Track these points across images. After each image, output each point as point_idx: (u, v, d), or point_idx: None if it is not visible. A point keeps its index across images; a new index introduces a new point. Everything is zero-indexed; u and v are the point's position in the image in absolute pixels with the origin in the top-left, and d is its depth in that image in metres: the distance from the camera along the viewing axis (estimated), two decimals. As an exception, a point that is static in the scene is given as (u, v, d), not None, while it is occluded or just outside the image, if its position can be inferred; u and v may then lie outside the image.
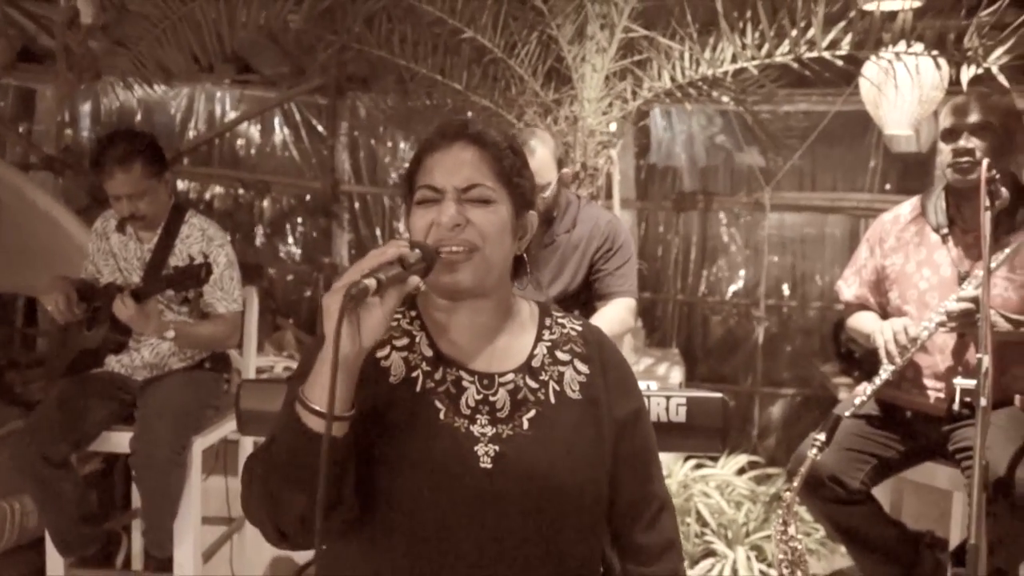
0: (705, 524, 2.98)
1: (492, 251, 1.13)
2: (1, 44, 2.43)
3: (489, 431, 1.13)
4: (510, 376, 1.17)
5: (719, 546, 2.90)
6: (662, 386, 1.78)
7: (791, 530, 1.82)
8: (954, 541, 2.15)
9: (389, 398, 1.13)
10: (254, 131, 4.68)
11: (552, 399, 1.17)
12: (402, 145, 4.62)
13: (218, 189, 4.73)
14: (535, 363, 1.19)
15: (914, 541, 2.08)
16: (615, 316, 2.33)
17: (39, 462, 2.15)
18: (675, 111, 4.30)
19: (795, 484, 1.84)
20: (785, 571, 1.83)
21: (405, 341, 1.18)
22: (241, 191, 4.66)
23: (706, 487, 3.09)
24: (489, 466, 1.11)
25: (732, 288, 4.42)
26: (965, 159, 1.95)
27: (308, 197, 4.67)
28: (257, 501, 1.07)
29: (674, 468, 3.18)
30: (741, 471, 3.30)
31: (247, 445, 2.74)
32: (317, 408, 1.00)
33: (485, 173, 1.14)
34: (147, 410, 2.27)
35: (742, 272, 4.41)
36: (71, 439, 2.20)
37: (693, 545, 2.95)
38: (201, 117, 4.70)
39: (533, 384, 1.17)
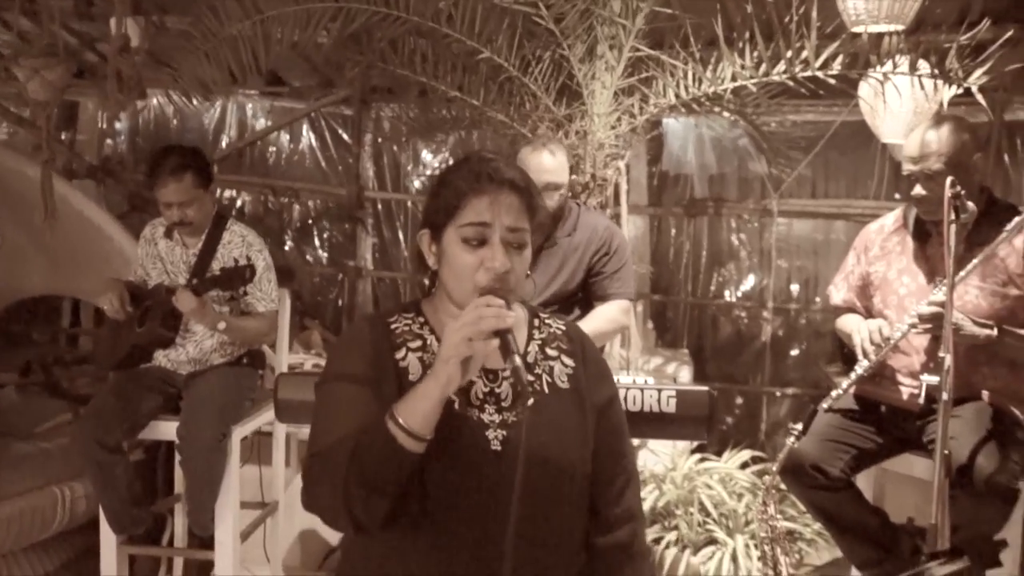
0: (707, 514, 3.15)
1: (519, 289, 1.34)
2: (60, 70, 2.65)
3: (496, 418, 1.32)
4: (510, 370, 1.35)
5: (720, 534, 3.08)
6: (658, 381, 1.97)
7: (771, 510, 2.00)
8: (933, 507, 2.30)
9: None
10: (283, 140, 4.91)
11: (546, 389, 1.37)
12: (424, 153, 4.83)
13: (248, 196, 4.96)
14: (529, 359, 1.38)
15: (893, 526, 2.25)
16: (608, 315, 2.53)
17: (96, 447, 2.37)
18: (687, 121, 4.46)
19: (775, 469, 2.02)
20: (766, 547, 2.02)
21: (418, 343, 1.37)
22: (271, 197, 4.89)
23: (709, 479, 3.26)
24: (499, 448, 1.30)
25: (741, 291, 4.57)
26: (924, 205, 2.13)
27: (333, 203, 4.88)
28: (333, 501, 1.23)
29: (679, 461, 3.36)
30: (744, 465, 3.46)
31: (279, 436, 2.97)
32: (411, 430, 1.19)
33: (524, 218, 1.32)
34: (192, 401, 2.49)
35: (751, 276, 4.55)
36: (124, 427, 2.43)
37: (696, 533, 3.12)
38: (233, 127, 4.93)
39: (530, 377, 1.36)
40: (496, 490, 1.28)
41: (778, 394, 4.45)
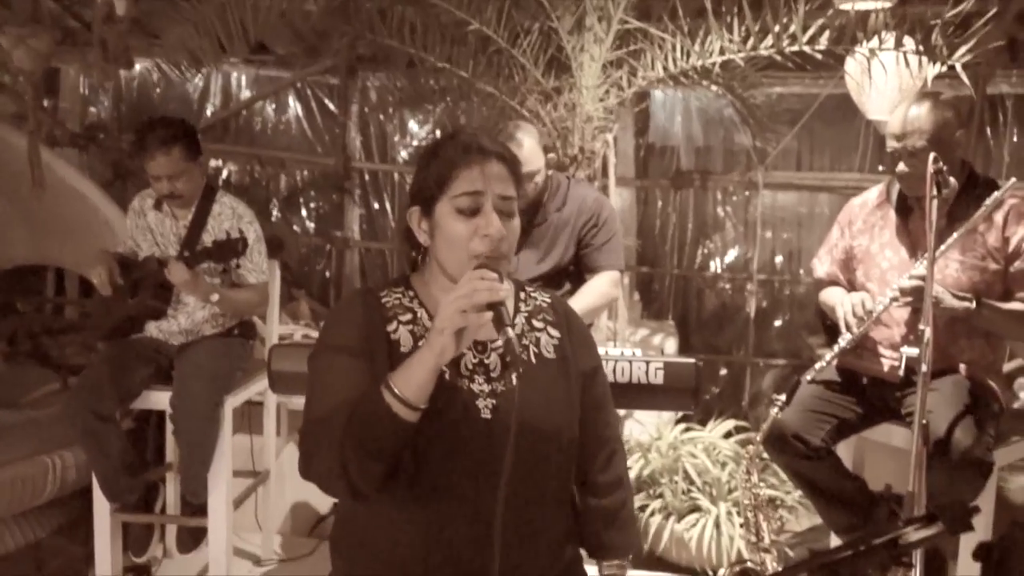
0: (691, 482, 3.22)
1: (511, 257, 1.37)
2: (46, 39, 2.62)
3: (486, 388, 1.36)
4: (499, 342, 1.39)
5: (703, 502, 3.15)
6: (645, 354, 2.01)
7: (754, 478, 2.06)
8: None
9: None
10: (269, 110, 4.87)
11: (533, 359, 1.41)
12: (411, 124, 4.81)
13: (234, 166, 4.93)
14: (516, 330, 1.42)
15: (871, 493, 2.31)
16: (598, 288, 2.56)
17: (89, 416, 2.39)
18: (673, 93, 4.47)
19: (758, 438, 2.08)
20: (749, 514, 2.08)
21: (409, 316, 1.40)
22: (257, 168, 4.86)
23: (693, 448, 3.32)
24: (489, 416, 1.34)
25: (726, 263, 4.62)
26: (907, 181, 2.17)
27: (320, 174, 4.86)
28: (331, 468, 1.26)
29: (664, 431, 3.42)
30: (728, 435, 3.53)
31: (271, 406, 3.00)
32: (406, 398, 1.22)
33: (512, 187, 1.36)
34: (184, 372, 2.51)
35: (736, 248, 4.60)
36: (117, 396, 2.45)
37: (680, 501, 3.19)
38: (217, 95, 4.89)
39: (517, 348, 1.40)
40: (487, 457, 1.32)
41: (762, 365, 4.52)
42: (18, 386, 3.34)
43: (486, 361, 1.38)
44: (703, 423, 3.68)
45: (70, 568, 2.92)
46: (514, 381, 1.35)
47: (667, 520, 3.13)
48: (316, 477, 1.31)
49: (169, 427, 2.62)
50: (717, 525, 3.05)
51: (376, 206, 4.84)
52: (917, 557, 1.63)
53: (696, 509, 3.16)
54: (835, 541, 2.44)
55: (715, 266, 4.61)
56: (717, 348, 4.63)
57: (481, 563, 1.32)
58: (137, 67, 4.78)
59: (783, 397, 2.05)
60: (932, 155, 1.90)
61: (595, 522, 1.50)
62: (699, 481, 3.21)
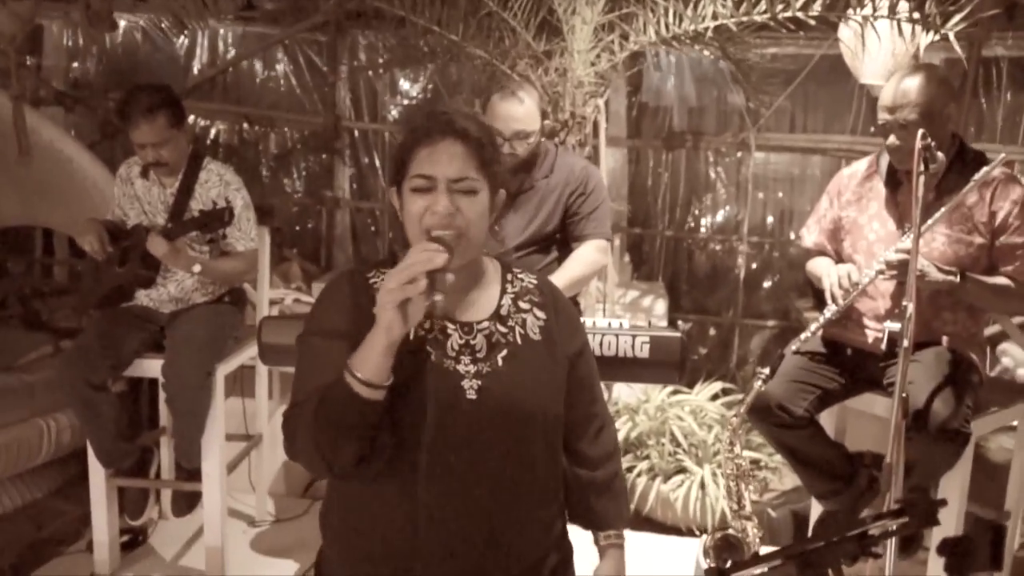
0: (678, 444, 3.28)
1: (475, 233, 1.37)
2: (28, 2, 2.57)
3: (472, 369, 1.38)
4: (485, 323, 1.42)
5: (689, 464, 3.21)
6: (632, 325, 2.03)
7: (736, 449, 2.11)
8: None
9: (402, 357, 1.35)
10: (257, 67, 4.80)
11: (519, 340, 1.43)
12: (401, 82, 4.75)
13: (223, 125, 4.87)
14: (503, 312, 1.44)
15: (852, 459, 2.37)
16: (585, 258, 2.56)
17: (82, 385, 2.41)
18: (666, 52, 4.41)
19: (741, 411, 2.12)
20: (731, 484, 2.13)
21: None
22: (246, 127, 4.81)
23: (680, 411, 3.37)
24: (474, 397, 1.36)
25: (717, 224, 4.62)
26: (897, 155, 2.17)
27: (309, 133, 4.82)
28: (306, 447, 1.30)
29: (652, 394, 3.47)
30: (714, 397, 3.59)
31: (262, 370, 3.03)
32: (365, 379, 1.24)
33: (471, 165, 1.35)
34: (175, 340, 2.53)
35: (727, 209, 4.60)
36: (109, 364, 2.47)
37: (666, 463, 3.25)
38: (204, 53, 4.81)
39: (503, 329, 1.42)
40: (472, 437, 1.35)
41: (750, 326, 4.57)
42: (10, 350, 3.36)
43: (472, 342, 1.40)
44: (691, 385, 3.73)
45: (68, 529, 2.98)
46: (499, 361, 1.38)
47: (653, 481, 3.20)
48: (297, 457, 1.35)
49: (162, 394, 2.64)
50: (702, 486, 3.12)
51: (366, 165, 4.80)
52: (889, 546, 1.67)
53: (682, 471, 3.23)
54: (815, 504, 2.50)
55: (706, 227, 4.61)
56: (707, 309, 4.66)
57: (468, 541, 1.36)
58: (122, 23, 4.70)
59: (767, 371, 2.08)
60: (920, 131, 1.90)
61: (587, 493, 1.54)
62: (685, 443, 3.27)
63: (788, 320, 4.47)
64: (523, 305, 1.47)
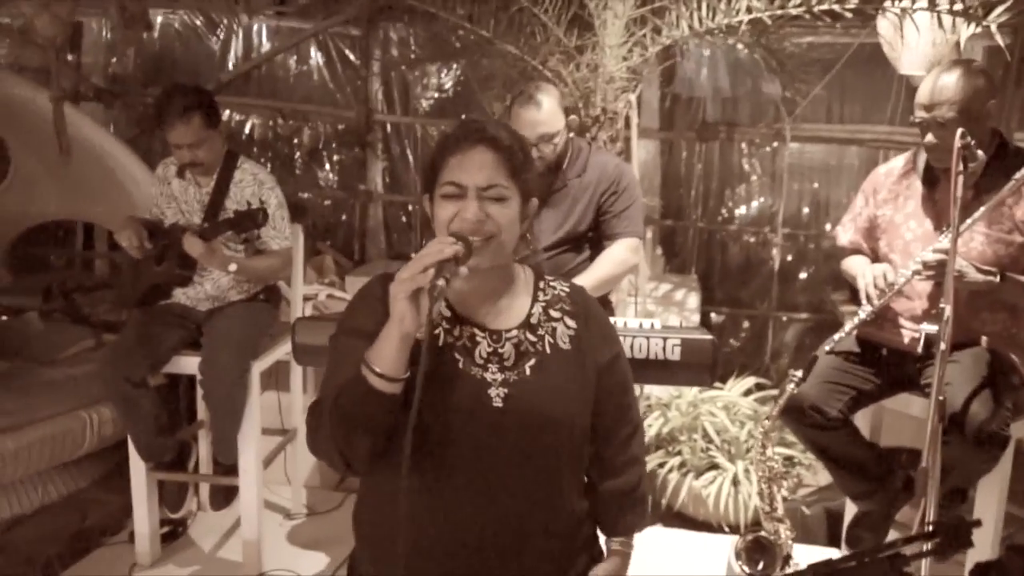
0: (710, 440, 3.26)
1: (506, 237, 1.38)
2: (68, 5, 2.62)
3: (499, 377, 1.39)
4: (514, 332, 1.43)
5: (721, 460, 3.20)
6: (664, 325, 2.03)
7: (769, 451, 2.09)
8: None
9: (418, 353, 1.38)
10: (290, 62, 4.84)
11: (548, 350, 1.43)
12: (433, 75, 4.75)
13: (257, 120, 4.92)
14: (533, 320, 1.45)
15: (887, 460, 2.34)
16: (616, 257, 2.55)
17: (122, 382, 2.47)
18: (699, 44, 4.35)
19: (774, 413, 2.10)
20: (763, 486, 2.11)
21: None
22: (279, 121, 4.86)
23: (713, 407, 3.36)
24: (500, 405, 1.37)
25: (751, 216, 4.57)
26: (935, 153, 2.12)
27: (342, 126, 4.85)
28: (326, 442, 1.33)
29: (684, 390, 3.45)
30: (747, 392, 3.56)
31: (296, 366, 3.07)
32: (380, 372, 1.26)
33: (501, 173, 1.37)
34: (212, 339, 2.57)
35: (761, 200, 4.54)
36: (148, 362, 2.52)
37: (699, 459, 3.24)
38: (239, 48, 4.85)
39: (532, 338, 1.43)
40: (498, 445, 1.36)
41: (784, 319, 4.52)
42: (55, 343, 3.45)
43: (500, 350, 1.41)
44: (724, 380, 3.71)
45: (110, 519, 3.05)
46: (527, 369, 1.38)
47: (685, 477, 3.19)
48: (318, 451, 1.38)
49: (199, 390, 2.69)
50: (735, 483, 3.11)
51: (399, 158, 4.82)
52: (923, 568, 1.66)
53: (714, 467, 3.22)
54: (850, 502, 2.48)
55: (739, 219, 4.57)
56: (740, 302, 4.62)
57: (496, 545, 1.37)
58: (158, 19, 4.77)
59: (800, 373, 2.06)
60: (960, 131, 1.86)
61: (609, 501, 1.55)
62: (717, 439, 3.26)
63: (823, 313, 4.42)
64: (554, 314, 1.47)
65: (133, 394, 2.48)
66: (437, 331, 1.41)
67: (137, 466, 2.69)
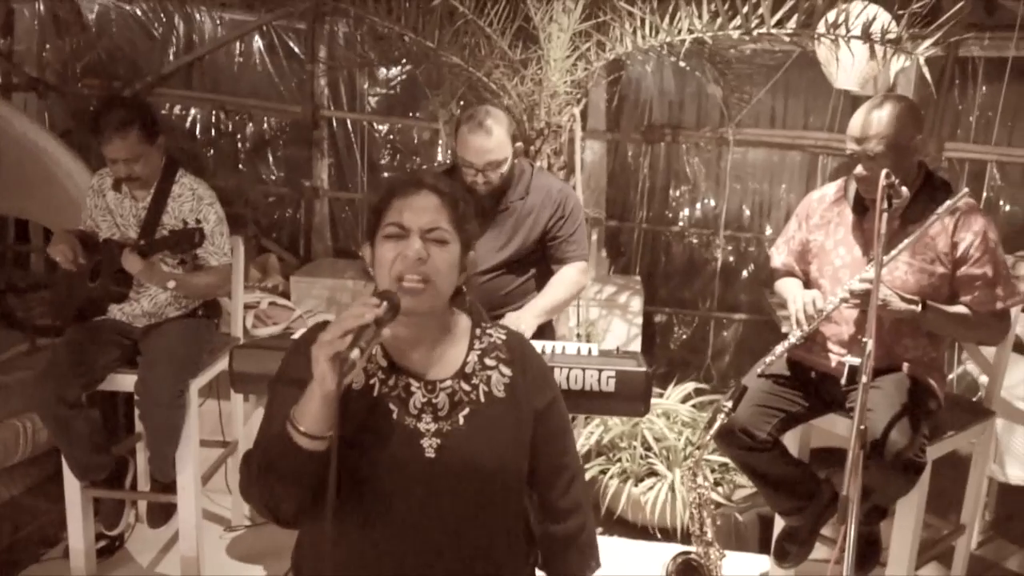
0: (649, 448, 3.34)
1: (442, 284, 1.40)
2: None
3: (432, 427, 1.41)
4: (448, 381, 1.44)
5: (660, 467, 3.28)
6: (601, 352, 2.07)
7: (699, 479, 2.16)
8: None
9: (352, 403, 1.39)
10: (234, 54, 4.73)
11: (482, 399, 1.45)
12: (381, 71, 4.70)
13: (199, 112, 4.80)
14: (468, 369, 1.47)
15: (815, 478, 2.43)
16: (568, 280, 2.59)
17: (55, 403, 2.42)
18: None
19: (705, 440, 2.17)
20: (695, 511, 2.18)
21: None
22: (223, 116, 4.76)
23: (652, 415, 3.43)
24: (433, 456, 1.39)
25: (694, 218, 4.65)
26: (864, 184, 2.20)
27: (288, 122, 4.77)
28: (256, 491, 1.35)
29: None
30: (687, 398, 3.65)
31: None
32: (304, 430, 1.26)
33: (444, 217, 1.40)
34: (149, 357, 2.53)
35: (704, 203, 4.62)
36: (82, 382, 2.47)
37: (638, 466, 3.32)
38: (181, 38, 4.73)
39: (467, 387, 1.45)
40: (431, 495, 1.38)
41: (725, 320, 4.62)
42: (-15, 349, 3.36)
43: (434, 400, 1.43)
44: (666, 378, 3.78)
45: (46, 531, 3.00)
46: (460, 419, 1.41)
47: (625, 484, 3.27)
48: (250, 500, 1.39)
49: (137, 411, 2.65)
50: (672, 489, 3.19)
51: (345, 155, 4.77)
52: (845, 562, 1.73)
53: (653, 474, 3.30)
54: (779, 520, 2.57)
55: (684, 220, 4.64)
56: (683, 302, 4.71)
57: None
58: (96, 6, 4.61)
59: (729, 404, 2.13)
60: (884, 171, 1.93)
61: (554, 546, 1.57)
62: (656, 447, 3.33)
63: (762, 314, 4.53)
64: (489, 362, 1.49)
65: (67, 415, 2.43)
66: (372, 380, 1.43)
67: (72, 483, 2.64)
